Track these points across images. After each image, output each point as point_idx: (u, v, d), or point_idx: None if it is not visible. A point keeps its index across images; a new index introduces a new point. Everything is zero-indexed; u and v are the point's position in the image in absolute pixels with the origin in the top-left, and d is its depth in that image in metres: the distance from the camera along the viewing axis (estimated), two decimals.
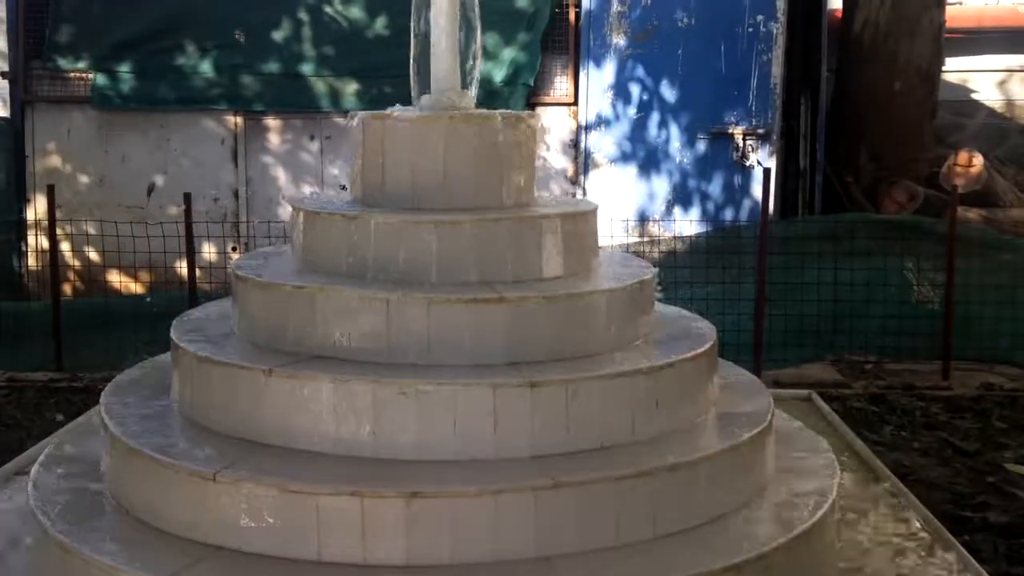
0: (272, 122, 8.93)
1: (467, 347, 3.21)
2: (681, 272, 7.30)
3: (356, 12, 8.79)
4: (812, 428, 4.09)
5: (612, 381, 3.18)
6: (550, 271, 3.53)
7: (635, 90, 8.79)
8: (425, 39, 3.84)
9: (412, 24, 3.91)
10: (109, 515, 3.17)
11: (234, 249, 8.79)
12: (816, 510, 3.20)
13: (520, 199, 3.72)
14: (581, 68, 8.80)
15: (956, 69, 11.30)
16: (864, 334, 7.25)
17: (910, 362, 7.08)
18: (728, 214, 8.75)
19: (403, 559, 2.82)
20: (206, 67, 8.75)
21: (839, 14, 10.10)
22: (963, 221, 7.85)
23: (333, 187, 8.80)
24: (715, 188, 8.77)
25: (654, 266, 3.92)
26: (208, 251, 8.53)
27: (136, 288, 8.42)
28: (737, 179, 8.75)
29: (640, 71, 8.78)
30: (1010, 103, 11.79)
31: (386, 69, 8.41)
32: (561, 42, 8.85)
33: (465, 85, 3.89)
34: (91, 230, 8.26)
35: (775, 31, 8.60)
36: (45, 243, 7.74)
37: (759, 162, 8.60)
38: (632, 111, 8.81)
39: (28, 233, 8.72)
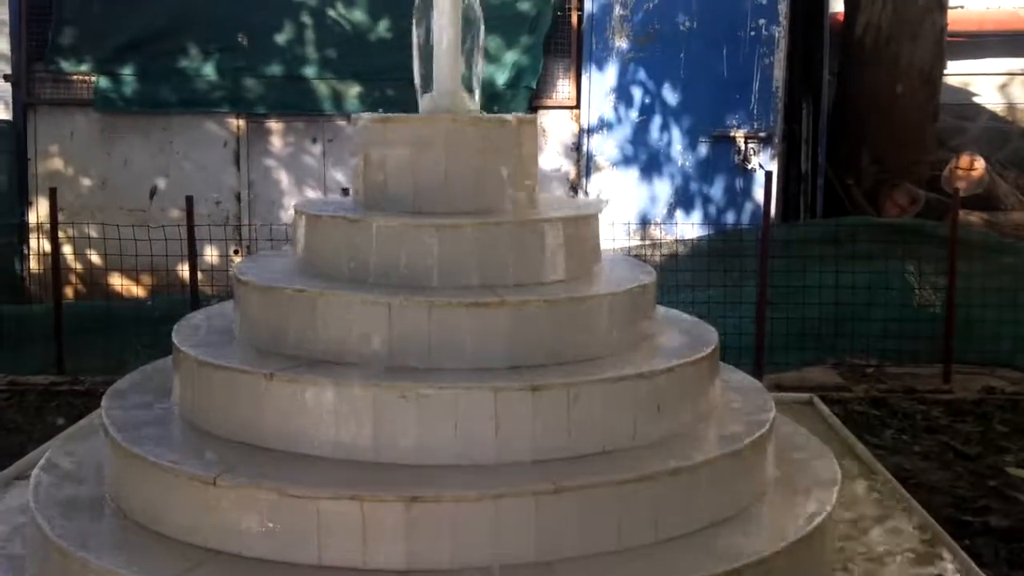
0: (274, 125, 8.94)
1: (468, 351, 3.21)
2: (683, 275, 7.30)
3: (358, 15, 8.80)
4: (813, 432, 4.10)
5: (613, 385, 3.18)
6: (552, 275, 3.53)
7: (637, 93, 8.79)
8: (427, 42, 3.84)
9: (414, 27, 3.91)
10: (109, 519, 3.17)
11: (236, 252, 8.79)
12: (817, 514, 3.20)
13: (522, 202, 3.72)
14: (583, 71, 8.81)
15: (958, 73, 11.30)
16: (865, 337, 7.24)
17: (911, 366, 7.07)
18: (730, 217, 8.76)
19: (403, 563, 2.82)
20: (209, 70, 8.76)
21: (841, 18, 10.09)
22: (965, 224, 7.84)
23: (335, 190, 8.80)
24: (717, 191, 8.78)
25: (655, 269, 3.92)
26: (210, 254, 8.54)
27: (138, 291, 8.43)
28: (739, 182, 8.75)
29: (642, 74, 8.78)
30: (1012, 107, 11.79)
31: (389, 72, 8.41)
32: (563, 45, 8.85)
33: (467, 88, 3.89)
34: (93, 233, 8.27)
35: (777, 35, 8.61)
36: (47, 246, 7.74)
37: (761, 165, 8.60)
38: (634, 114, 8.81)
39: (30, 236, 8.72)
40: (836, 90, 9.81)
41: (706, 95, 8.69)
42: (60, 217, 7.50)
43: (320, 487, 2.88)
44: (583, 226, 3.72)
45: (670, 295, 6.70)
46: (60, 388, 6.54)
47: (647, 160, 8.83)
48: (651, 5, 8.69)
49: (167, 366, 3.73)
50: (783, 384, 6.36)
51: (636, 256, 6.78)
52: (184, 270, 7.40)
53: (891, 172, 9.43)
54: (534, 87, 8.71)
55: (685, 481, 3.06)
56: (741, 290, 7.27)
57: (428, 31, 3.84)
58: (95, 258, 8.61)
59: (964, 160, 9.27)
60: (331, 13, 8.79)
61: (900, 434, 5.80)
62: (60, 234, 7.51)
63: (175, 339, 3.55)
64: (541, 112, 8.75)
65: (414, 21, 3.91)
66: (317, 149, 8.94)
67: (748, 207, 8.72)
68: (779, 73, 8.64)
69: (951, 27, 10.05)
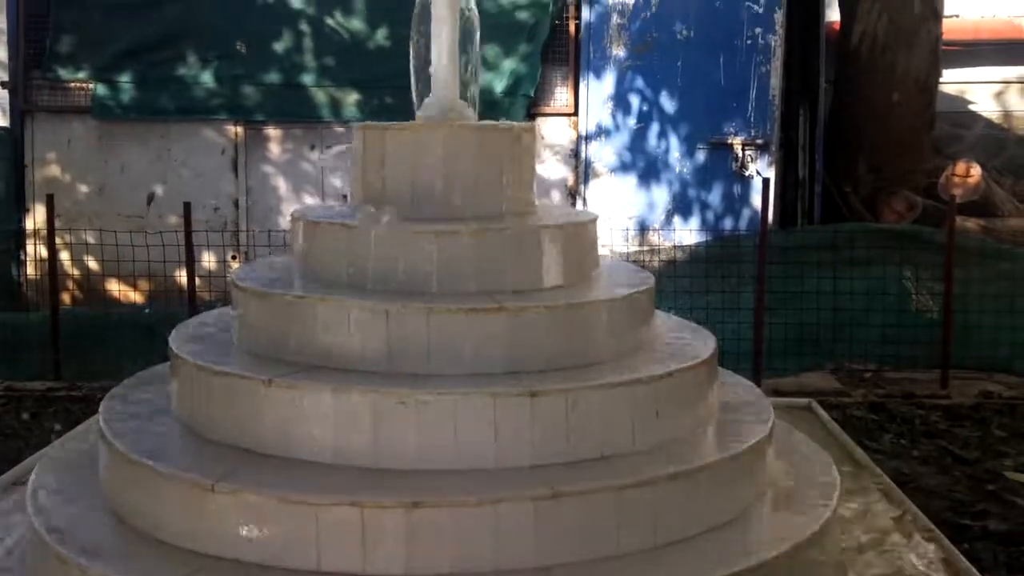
0: (273, 132, 8.95)
1: (467, 357, 3.20)
2: (681, 281, 7.31)
3: (357, 23, 8.82)
4: (812, 437, 4.09)
5: (612, 390, 3.18)
6: (550, 281, 3.53)
7: (635, 101, 8.81)
8: (425, 50, 3.85)
9: (412, 35, 3.92)
10: (108, 525, 3.16)
11: (234, 258, 8.80)
12: (816, 519, 3.20)
13: (520, 209, 3.72)
14: (581, 79, 8.83)
15: (954, 81, 11.34)
16: (863, 343, 7.26)
17: (909, 371, 7.09)
18: (727, 224, 8.77)
19: (403, 569, 2.81)
20: (207, 77, 8.77)
21: (837, 27, 10.13)
22: (961, 231, 7.87)
23: (334, 197, 8.81)
24: (714, 198, 8.79)
25: (654, 276, 3.92)
26: (208, 260, 8.53)
27: (135, 297, 8.43)
28: (736, 189, 8.77)
29: (640, 82, 8.80)
30: (1007, 114, 11.83)
31: (387, 79, 8.43)
32: (561, 53, 8.87)
33: (465, 96, 3.90)
34: (90, 239, 8.26)
35: (773, 43, 8.63)
36: (44, 252, 7.74)
37: (758, 172, 8.61)
38: (632, 122, 8.83)
39: (27, 242, 8.72)
40: (833, 98, 9.84)
41: (703, 103, 8.72)
42: (57, 223, 7.51)
43: (319, 493, 2.87)
44: (581, 232, 3.73)
45: (668, 301, 6.72)
46: (57, 394, 6.55)
47: (645, 167, 8.85)
48: (648, 14, 8.72)
49: (165, 372, 3.72)
50: (781, 390, 6.38)
51: (634, 262, 6.80)
52: (182, 276, 7.41)
53: (888, 179, 9.45)
54: (532, 95, 8.73)
55: (684, 486, 3.06)
56: (739, 296, 7.29)
57: (426, 39, 3.85)
58: (92, 264, 8.61)
59: (960, 167, 9.30)
60: (329, 21, 8.80)
61: (899, 439, 5.82)
62: (57, 240, 7.52)
63: (173, 344, 3.55)
64: (539, 120, 8.77)
65: (412, 29, 3.91)
66: (315, 156, 8.95)
67: (746, 214, 8.73)
68: (776, 81, 8.66)
69: (946, 36, 10.09)
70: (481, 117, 3.99)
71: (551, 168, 8.91)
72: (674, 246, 8.32)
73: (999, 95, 11.84)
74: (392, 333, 3.21)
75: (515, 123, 3.80)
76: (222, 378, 3.27)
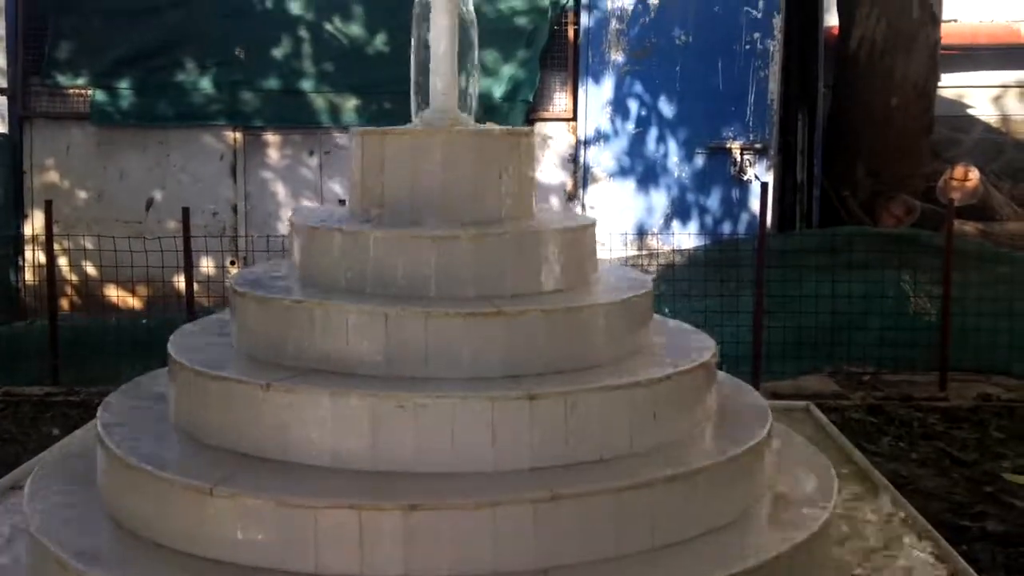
0: (271, 138, 8.96)
1: (466, 360, 3.21)
2: (680, 285, 7.32)
3: (355, 29, 8.83)
4: (810, 439, 4.10)
5: (610, 393, 3.18)
6: (549, 285, 3.53)
7: (633, 106, 8.83)
8: (424, 55, 3.85)
9: (412, 40, 3.93)
10: (106, 529, 3.16)
11: (233, 264, 8.80)
12: (814, 521, 3.20)
13: (519, 213, 3.72)
14: (580, 84, 8.84)
15: (952, 85, 11.35)
16: (862, 346, 7.27)
17: (908, 373, 7.10)
18: (726, 228, 8.78)
19: (401, 571, 2.81)
20: (206, 83, 8.79)
21: (835, 31, 10.14)
22: (960, 234, 7.88)
23: (332, 202, 8.81)
24: (713, 202, 8.81)
25: (653, 279, 3.92)
26: (206, 266, 8.54)
27: (134, 303, 8.43)
28: (735, 193, 8.78)
29: (638, 87, 8.82)
30: (1005, 118, 11.83)
31: (385, 85, 8.45)
32: (560, 59, 8.89)
33: (464, 101, 3.91)
34: (89, 245, 8.27)
35: (772, 48, 8.65)
36: (43, 258, 7.75)
37: (757, 176, 8.63)
38: (631, 126, 8.84)
39: (26, 248, 8.73)
40: (831, 103, 9.86)
41: (702, 107, 8.73)
42: (56, 229, 7.51)
43: (318, 496, 2.88)
44: (580, 236, 3.73)
45: (667, 305, 6.73)
46: (55, 399, 6.54)
47: (644, 171, 8.86)
48: (647, 19, 8.74)
49: (163, 377, 3.72)
50: (780, 392, 6.38)
51: (634, 267, 6.80)
52: (180, 281, 7.42)
53: (886, 183, 9.46)
54: (531, 100, 8.75)
55: (682, 488, 3.06)
56: (738, 299, 7.29)
57: (424, 44, 3.85)
58: (91, 270, 8.62)
59: (959, 171, 9.31)
60: (328, 27, 8.82)
61: (897, 441, 5.82)
62: (56, 246, 7.53)
63: (171, 349, 3.55)
64: (538, 125, 8.79)
65: (411, 34, 3.92)
66: (314, 162, 8.96)
67: (744, 217, 8.74)
68: (774, 86, 8.68)
69: (945, 40, 10.11)
70: (480, 122, 4.00)
71: (550, 173, 8.91)
72: (673, 250, 8.33)
73: (997, 99, 11.85)
74: (391, 337, 3.22)
75: (513, 127, 3.79)
76: (220, 383, 3.27)
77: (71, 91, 8.87)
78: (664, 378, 3.31)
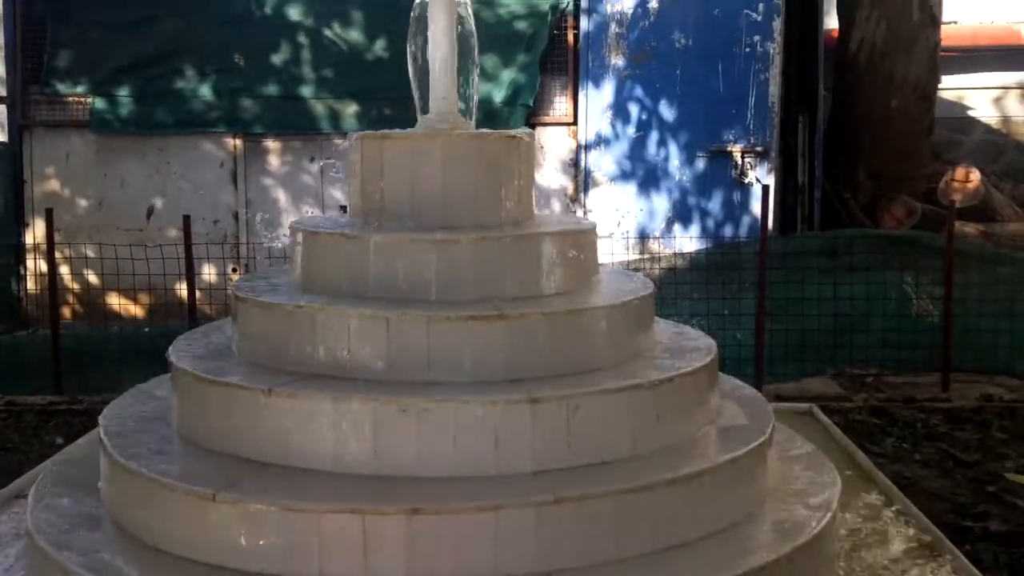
0: (272, 144, 8.97)
1: (467, 364, 3.20)
2: (682, 288, 7.32)
3: (355, 35, 8.84)
4: (813, 441, 4.09)
5: (612, 396, 3.17)
6: (550, 288, 3.53)
7: (634, 110, 8.83)
8: (423, 59, 3.85)
9: (409, 45, 3.93)
10: (109, 536, 3.16)
11: (234, 271, 8.81)
12: (817, 522, 3.19)
13: (519, 216, 3.73)
14: (580, 88, 8.85)
15: (952, 87, 11.36)
16: (864, 348, 7.27)
17: (910, 375, 7.10)
18: (728, 231, 8.78)
19: (404, 575, 2.81)
20: (205, 90, 8.79)
21: (835, 34, 10.15)
22: (961, 236, 7.88)
23: (333, 208, 8.82)
24: (714, 205, 8.80)
25: (655, 283, 3.92)
26: (208, 273, 8.55)
27: (136, 311, 8.43)
28: (736, 196, 8.78)
29: (639, 91, 8.82)
30: (1006, 119, 11.84)
31: (385, 91, 8.46)
32: (560, 63, 8.90)
33: (463, 105, 3.91)
34: (90, 253, 8.28)
35: (772, 51, 8.66)
36: (44, 267, 7.75)
37: (758, 179, 8.63)
38: (631, 130, 8.85)
39: (27, 257, 8.74)
40: (832, 105, 9.86)
41: (702, 111, 8.74)
42: (57, 238, 7.51)
43: (320, 501, 2.87)
44: (580, 239, 3.72)
45: (669, 308, 6.72)
46: (58, 408, 6.54)
47: (645, 175, 8.86)
48: (647, 23, 8.74)
49: (165, 383, 3.72)
50: (783, 395, 6.38)
51: (635, 270, 6.80)
52: (182, 289, 7.42)
53: (887, 185, 9.46)
54: (531, 104, 8.75)
55: (685, 490, 3.05)
56: (740, 302, 7.29)
57: (423, 49, 3.85)
58: (92, 278, 8.63)
59: (960, 172, 9.32)
60: (327, 33, 8.83)
61: (900, 442, 5.82)
62: (57, 255, 7.53)
63: (172, 356, 3.55)
64: (539, 129, 8.80)
65: (408, 39, 3.92)
66: (315, 168, 8.97)
67: (746, 220, 8.74)
68: (775, 89, 8.68)
69: (945, 42, 10.11)
70: (480, 127, 4.00)
71: (551, 177, 8.92)
72: (674, 254, 8.33)
73: (998, 101, 11.86)
74: (392, 341, 3.22)
75: (513, 131, 3.79)
76: (222, 388, 3.27)
77: (70, 99, 8.89)
78: (666, 380, 3.30)
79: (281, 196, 8.97)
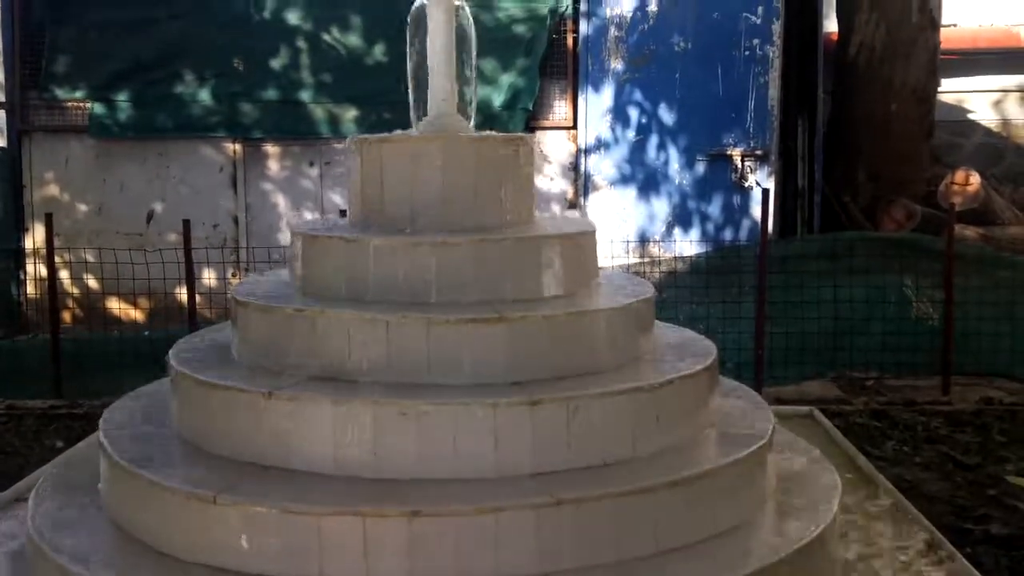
0: (271, 149, 8.98)
1: (467, 367, 3.20)
2: (682, 292, 7.32)
3: (354, 39, 8.85)
4: (814, 444, 4.09)
5: (613, 398, 3.17)
6: (550, 290, 3.53)
7: (634, 113, 8.84)
8: (421, 65, 3.86)
9: (407, 50, 3.93)
10: (109, 539, 3.16)
11: (234, 275, 8.81)
12: (818, 524, 3.19)
13: (519, 219, 3.73)
14: (580, 92, 8.85)
15: (952, 90, 11.36)
16: (864, 351, 7.27)
17: (910, 378, 7.10)
18: (728, 234, 8.78)
19: None
20: (204, 95, 8.80)
21: (834, 37, 10.16)
22: (961, 239, 7.88)
23: (333, 213, 8.82)
24: (714, 209, 8.81)
25: (655, 286, 3.92)
26: (208, 278, 8.55)
27: (136, 315, 8.43)
28: (736, 200, 8.78)
29: (638, 95, 8.83)
30: (1006, 122, 11.84)
31: (384, 95, 8.47)
32: (560, 67, 8.91)
33: (463, 109, 3.91)
34: (90, 258, 8.28)
35: (771, 54, 8.66)
36: (44, 271, 7.75)
37: (758, 183, 8.63)
38: (631, 134, 8.85)
39: (27, 262, 8.74)
40: (831, 108, 9.87)
41: (702, 114, 8.75)
42: (56, 242, 7.52)
43: (321, 503, 2.87)
44: (581, 242, 3.73)
45: (669, 311, 6.72)
46: (58, 412, 6.54)
47: (645, 179, 8.87)
48: (646, 27, 8.75)
49: (165, 386, 3.72)
50: (783, 398, 6.38)
51: (636, 274, 6.80)
52: (182, 293, 7.41)
53: (887, 188, 9.46)
54: (531, 108, 8.76)
55: (685, 493, 3.05)
56: (740, 305, 7.29)
57: (422, 54, 3.86)
58: (92, 283, 8.62)
59: (960, 176, 9.32)
60: (326, 37, 8.84)
61: (901, 445, 5.82)
62: (57, 259, 7.53)
63: (172, 360, 3.55)
64: (539, 133, 8.81)
65: (407, 44, 3.93)
66: (314, 172, 8.97)
67: (746, 224, 8.75)
68: (774, 92, 8.69)
69: (944, 45, 10.12)
70: (480, 130, 4.00)
71: (551, 181, 8.93)
72: (675, 257, 8.33)
73: (997, 104, 11.86)
74: (392, 344, 3.22)
75: (512, 134, 3.79)
76: (222, 391, 3.27)
77: (69, 104, 8.89)
78: (666, 383, 3.30)
79: (281, 200, 8.98)
